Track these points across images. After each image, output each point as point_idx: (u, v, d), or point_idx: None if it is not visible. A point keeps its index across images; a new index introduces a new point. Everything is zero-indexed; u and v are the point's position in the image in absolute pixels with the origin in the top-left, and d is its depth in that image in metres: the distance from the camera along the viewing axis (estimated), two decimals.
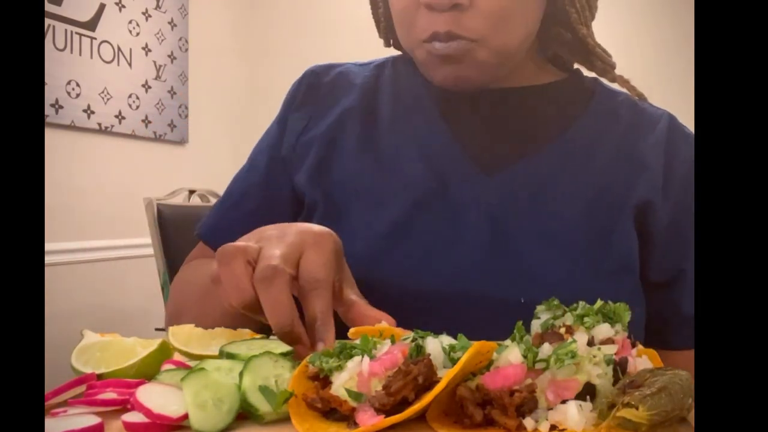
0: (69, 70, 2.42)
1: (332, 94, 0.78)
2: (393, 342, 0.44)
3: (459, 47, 0.65)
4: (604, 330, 0.45)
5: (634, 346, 0.45)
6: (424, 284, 0.66)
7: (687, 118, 0.79)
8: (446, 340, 0.45)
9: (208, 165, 3.18)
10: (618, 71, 0.77)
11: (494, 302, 0.64)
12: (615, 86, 0.79)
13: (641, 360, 0.44)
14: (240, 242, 0.53)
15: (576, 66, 0.80)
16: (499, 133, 0.72)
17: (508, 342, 0.44)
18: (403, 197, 0.69)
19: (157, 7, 2.87)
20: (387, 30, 0.79)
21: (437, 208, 0.69)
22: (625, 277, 0.68)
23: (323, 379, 0.43)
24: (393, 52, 0.84)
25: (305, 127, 0.76)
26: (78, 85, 2.45)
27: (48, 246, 2.28)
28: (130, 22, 2.72)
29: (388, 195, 0.70)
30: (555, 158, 0.71)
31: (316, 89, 0.79)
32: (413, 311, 0.63)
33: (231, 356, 0.47)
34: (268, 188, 0.76)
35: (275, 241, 0.53)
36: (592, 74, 0.80)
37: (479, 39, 0.65)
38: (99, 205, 2.57)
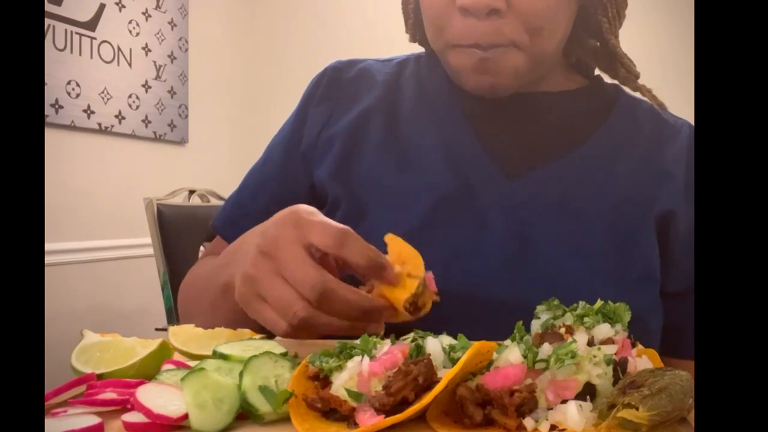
0: (69, 70, 2.42)
1: (354, 90, 0.77)
2: (393, 343, 0.44)
3: (497, 54, 0.64)
4: (604, 330, 0.45)
5: (634, 346, 0.45)
6: (446, 287, 0.64)
7: (687, 116, 0.79)
8: (446, 340, 0.45)
9: (208, 165, 3.18)
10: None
11: (515, 308, 0.61)
12: (635, 94, 0.79)
13: (641, 360, 0.44)
14: (265, 309, 0.52)
15: (597, 73, 0.80)
16: (523, 137, 0.72)
17: (508, 342, 0.44)
18: (426, 198, 0.69)
19: (157, 7, 2.87)
20: (415, 27, 0.78)
21: (460, 210, 0.68)
22: (647, 288, 0.68)
23: (323, 379, 0.43)
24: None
25: (327, 123, 0.76)
26: (78, 85, 2.45)
27: (48, 246, 2.28)
28: (130, 22, 2.72)
29: (411, 195, 0.69)
30: (577, 165, 0.70)
31: (337, 84, 0.78)
32: (434, 313, 0.61)
33: (224, 357, 0.47)
34: (284, 182, 0.76)
35: (268, 256, 0.52)
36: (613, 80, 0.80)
37: (517, 44, 0.64)
38: (99, 205, 2.57)
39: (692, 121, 0.75)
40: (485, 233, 0.67)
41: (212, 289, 0.65)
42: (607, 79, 0.80)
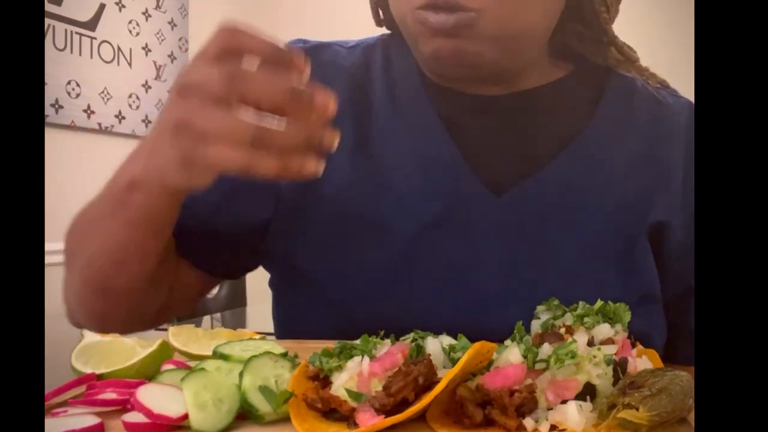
0: (69, 70, 2.41)
1: (320, 81, 0.69)
2: (393, 343, 0.44)
3: (458, 20, 0.57)
4: (604, 330, 0.45)
5: (634, 346, 0.45)
6: (435, 320, 0.59)
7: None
8: (446, 340, 0.45)
9: None
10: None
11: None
12: (627, 73, 0.72)
13: (641, 360, 0.44)
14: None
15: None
16: (507, 144, 0.66)
17: (508, 342, 0.44)
18: (405, 227, 0.63)
19: (157, 7, 2.87)
20: (378, 3, 0.71)
21: (444, 235, 0.63)
22: (650, 308, 0.64)
23: (323, 379, 0.43)
24: None
25: None
26: (78, 85, 2.45)
27: (48, 246, 2.28)
28: (130, 22, 2.72)
29: (388, 225, 0.63)
30: (568, 170, 0.64)
31: None
32: None
33: (224, 357, 0.46)
34: (237, 185, 0.65)
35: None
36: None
37: (481, 9, 0.57)
38: None
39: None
40: (474, 259, 0.62)
41: (108, 199, 0.57)
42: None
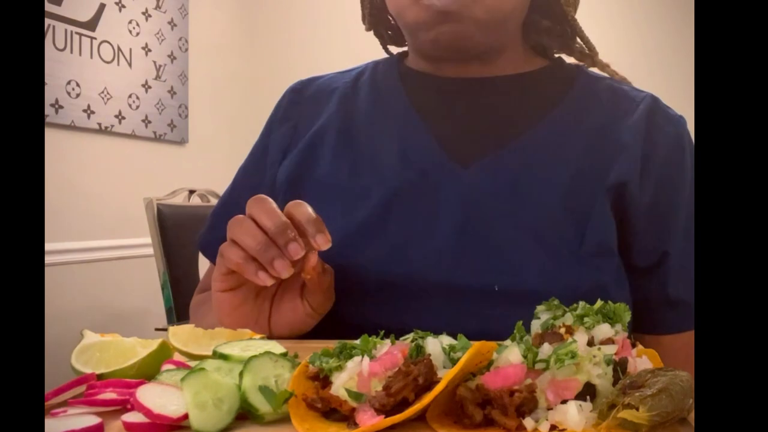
0: (69, 70, 2.42)
1: (313, 109, 0.80)
2: (393, 343, 0.44)
3: (456, 2, 0.66)
4: (604, 330, 0.45)
5: (634, 346, 0.45)
6: (400, 272, 0.67)
7: (689, 112, 0.78)
8: (446, 340, 0.45)
9: (208, 165, 3.18)
10: (615, 66, 0.78)
11: (468, 290, 0.65)
12: (598, 73, 0.80)
13: (641, 360, 0.44)
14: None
15: (558, 55, 0.81)
16: (476, 123, 0.73)
17: (508, 342, 0.44)
18: (380, 190, 0.70)
19: (157, 7, 2.87)
20: (371, 10, 0.81)
21: (414, 202, 0.70)
22: (605, 260, 0.68)
23: (323, 379, 0.43)
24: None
25: (288, 147, 0.78)
26: (78, 85, 2.45)
27: (48, 246, 2.28)
28: (130, 22, 2.72)
29: (365, 189, 0.71)
30: (532, 146, 0.71)
31: (297, 105, 0.81)
32: (390, 299, 0.66)
33: (224, 357, 0.46)
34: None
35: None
36: (573, 60, 0.81)
37: None
38: (99, 205, 2.57)
39: (689, 117, 0.75)
40: (439, 220, 0.68)
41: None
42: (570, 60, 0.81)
